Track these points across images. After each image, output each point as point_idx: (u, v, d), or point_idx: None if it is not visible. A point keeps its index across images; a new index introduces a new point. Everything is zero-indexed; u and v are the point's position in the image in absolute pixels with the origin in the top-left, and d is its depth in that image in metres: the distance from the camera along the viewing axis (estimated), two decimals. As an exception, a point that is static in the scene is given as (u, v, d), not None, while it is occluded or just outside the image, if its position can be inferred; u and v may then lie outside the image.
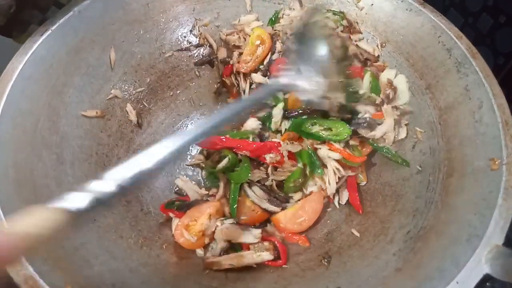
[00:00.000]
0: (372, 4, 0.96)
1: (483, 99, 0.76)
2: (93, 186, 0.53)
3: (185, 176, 0.94)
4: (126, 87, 0.96)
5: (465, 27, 1.07)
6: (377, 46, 0.96)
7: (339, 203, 0.86)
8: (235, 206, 0.82)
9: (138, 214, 0.83)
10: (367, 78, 0.92)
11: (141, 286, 0.69)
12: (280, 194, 0.86)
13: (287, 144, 0.86)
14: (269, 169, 0.85)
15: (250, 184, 0.85)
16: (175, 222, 0.83)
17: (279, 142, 0.87)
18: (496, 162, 0.69)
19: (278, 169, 0.86)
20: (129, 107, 0.94)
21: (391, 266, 0.69)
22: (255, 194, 0.84)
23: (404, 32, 0.92)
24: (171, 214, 0.84)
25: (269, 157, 0.84)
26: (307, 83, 0.78)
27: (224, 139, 0.85)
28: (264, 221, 0.86)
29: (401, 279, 0.66)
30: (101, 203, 0.52)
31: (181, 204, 0.85)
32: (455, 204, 0.71)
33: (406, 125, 0.89)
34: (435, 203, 0.75)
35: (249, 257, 0.76)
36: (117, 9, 0.93)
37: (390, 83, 0.90)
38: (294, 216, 0.82)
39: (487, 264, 0.59)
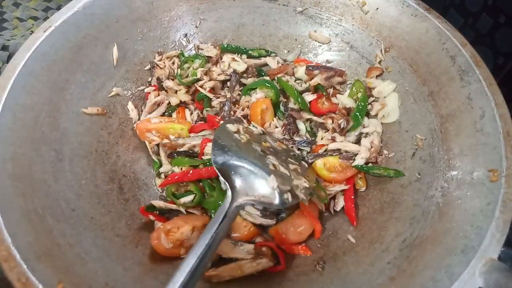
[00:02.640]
0: (377, 9, 0.95)
1: (485, 108, 0.75)
2: None
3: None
4: (128, 85, 0.96)
5: (465, 27, 1.06)
6: (381, 51, 0.95)
7: (334, 210, 0.86)
8: None
9: (136, 213, 0.83)
10: (354, 91, 0.96)
11: (134, 285, 0.69)
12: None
13: None
14: None
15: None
16: (158, 225, 0.82)
17: None
18: (496, 174, 0.68)
19: None
20: (130, 105, 0.94)
21: (385, 275, 0.68)
22: (246, 212, 0.83)
23: (409, 38, 0.91)
24: (151, 217, 0.83)
25: None
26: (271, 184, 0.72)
27: (188, 174, 0.83)
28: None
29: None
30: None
31: (164, 210, 0.84)
32: (452, 214, 0.70)
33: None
34: (432, 212, 0.74)
35: (249, 266, 0.76)
36: (122, 7, 0.93)
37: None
38: (293, 225, 0.81)
39: (481, 278, 0.59)
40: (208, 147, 0.88)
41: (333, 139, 0.92)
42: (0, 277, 0.58)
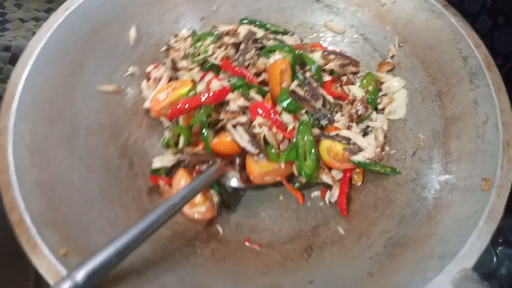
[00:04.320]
0: (395, 1, 0.93)
1: (489, 114, 0.74)
2: None
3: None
4: (144, 66, 1.00)
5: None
6: (394, 45, 0.94)
7: (329, 201, 0.88)
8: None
9: (142, 187, 0.89)
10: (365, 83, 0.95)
11: (133, 256, 0.75)
12: (261, 143, 0.86)
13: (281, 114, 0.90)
14: (256, 122, 0.87)
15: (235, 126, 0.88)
16: (165, 188, 0.88)
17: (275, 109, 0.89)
18: (488, 183, 0.68)
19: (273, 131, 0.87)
20: (144, 84, 0.98)
21: (365, 270, 0.71)
22: (237, 133, 0.86)
23: (423, 34, 0.89)
24: (160, 182, 0.88)
25: (258, 121, 0.86)
26: None
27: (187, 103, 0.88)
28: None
29: (370, 284, 0.68)
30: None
31: (167, 171, 0.90)
32: (440, 218, 0.71)
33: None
34: (421, 214, 0.75)
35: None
36: (139, -11, 0.96)
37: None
38: (265, 173, 0.85)
39: (452, 285, 0.60)
40: (214, 83, 0.91)
41: (349, 127, 0.92)
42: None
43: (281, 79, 0.93)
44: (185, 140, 0.89)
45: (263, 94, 0.93)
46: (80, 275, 0.57)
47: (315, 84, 0.94)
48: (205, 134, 0.87)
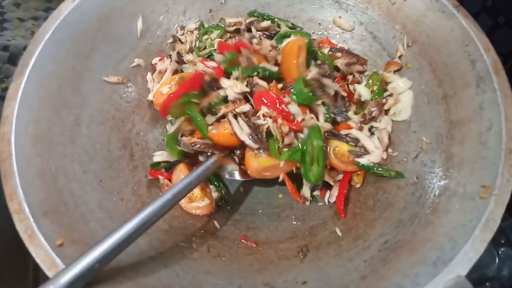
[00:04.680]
0: (405, 0, 0.91)
1: (494, 121, 0.73)
2: None
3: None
4: (150, 57, 1.00)
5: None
6: (403, 45, 0.92)
7: (328, 201, 0.88)
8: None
9: (142, 180, 0.90)
10: (370, 83, 0.93)
11: (128, 249, 0.76)
12: (263, 137, 0.82)
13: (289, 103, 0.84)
14: (261, 113, 0.83)
15: (236, 116, 0.84)
16: (164, 182, 0.89)
17: (281, 98, 0.83)
18: (487, 191, 0.67)
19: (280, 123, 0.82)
20: (149, 76, 0.99)
21: (358, 272, 0.71)
22: (237, 124, 0.82)
23: (433, 35, 0.87)
24: (160, 177, 0.89)
25: (263, 111, 0.82)
26: None
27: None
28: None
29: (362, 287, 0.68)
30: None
31: (167, 165, 0.91)
32: (437, 224, 0.71)
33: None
34: (419, 218, 0.74)
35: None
36: (149, -21, 0.96)
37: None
38: (264, 168, 0.83)
39: (444, 292, 0.60)
40: (199, 65, 0.88)
41: (361, 128, 0.90)
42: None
43: (298, 55, 0.89)
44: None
45: (270, 76, 0.88)
46: (62, 281, 0.57)
47: (328, 68, 0.92)
48: (197, 122, 0.84)
